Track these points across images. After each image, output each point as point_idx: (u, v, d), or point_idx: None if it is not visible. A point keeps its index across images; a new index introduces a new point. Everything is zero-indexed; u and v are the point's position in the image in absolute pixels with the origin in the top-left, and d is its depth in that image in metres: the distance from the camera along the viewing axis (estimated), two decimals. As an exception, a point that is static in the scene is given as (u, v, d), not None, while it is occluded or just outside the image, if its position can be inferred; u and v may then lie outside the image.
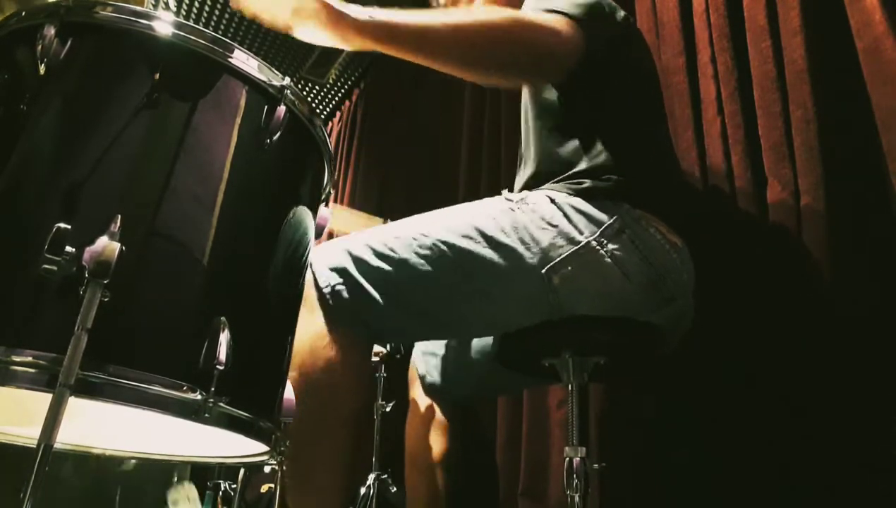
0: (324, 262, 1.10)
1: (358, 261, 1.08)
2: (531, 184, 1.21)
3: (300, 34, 0.99)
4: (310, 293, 1.07)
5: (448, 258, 1.05)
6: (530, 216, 1.06)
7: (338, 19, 0.97)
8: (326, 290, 1.07)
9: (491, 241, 1.04)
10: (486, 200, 1.15)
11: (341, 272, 1.08)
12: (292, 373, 0.93)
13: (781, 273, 1.25)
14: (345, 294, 1.06)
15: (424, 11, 1.04)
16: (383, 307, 1.06)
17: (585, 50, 1.10)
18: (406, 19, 1.00)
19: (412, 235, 1.08)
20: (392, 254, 1.07)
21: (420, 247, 1.06)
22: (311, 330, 1.05)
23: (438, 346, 1.40)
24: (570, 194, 1.08)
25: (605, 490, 1.47)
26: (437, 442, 1.35)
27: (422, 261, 1.06)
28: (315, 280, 1.08)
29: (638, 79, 1.24)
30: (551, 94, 1.20)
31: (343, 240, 1.13)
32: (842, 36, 1.24)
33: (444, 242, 1.06)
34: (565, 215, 1.05)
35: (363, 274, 1.07)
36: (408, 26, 1.00)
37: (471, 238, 1.05)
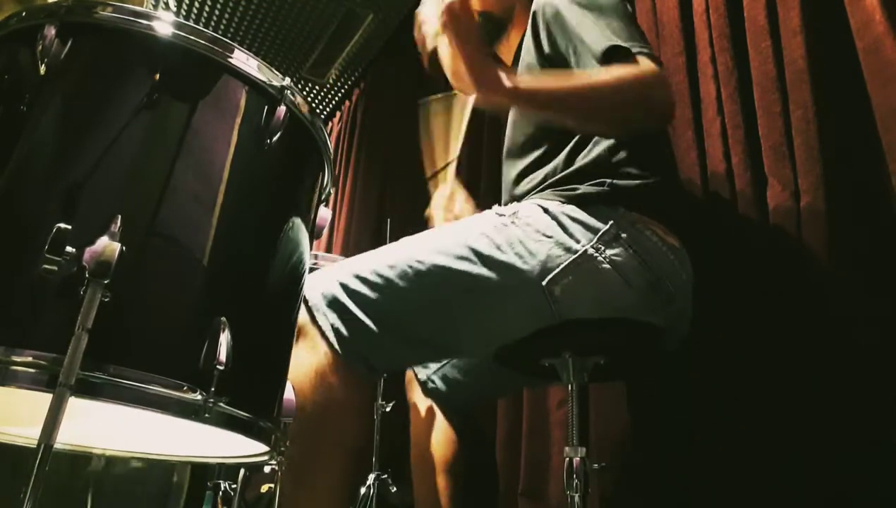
0: (319, 296, 1.08)
1: (354, 294, 1.07)
2: (520, 183, 1.20)
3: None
4: (308, 329, 1.06)
5: (446, 283, 1.04)
6: (524, 229, 1.05)
7: (494, 91, 1.02)
8: (325, 327, 1.06)
9: (487, 260, 1.04)
10: (477, 217, 1.15)
11: (339, 307, 1.06)
12: None
13: (781, 273, 1.25)
14: (344, 330, 1.05)
15: (552, 77, 1.11)
16: (383, 339, 1.05)
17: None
18: (540, 85, 1.08)
19: (407, 263, 1.06)
20: (388, 284, 1.06)
21: (416, 275, 1.05)
22: (310, 368, 1.04)
23: None
24: (563, 202, 1.08)
25: (605, 490, 1.47)
26: (442, 444, 1.35)
27: (420, 290, 1.05)
28: (312, 315, 1.07)
29: None
30: None
31: (336, 271, 1.12)
32: (842, 36, 1.24)
33: (440, 267, 1.05)
34: (560, 225, 1.05)
35: (361, 308, 1.06)
36: (540, 91, 1.07)
37: (466, 259, 1.04)
